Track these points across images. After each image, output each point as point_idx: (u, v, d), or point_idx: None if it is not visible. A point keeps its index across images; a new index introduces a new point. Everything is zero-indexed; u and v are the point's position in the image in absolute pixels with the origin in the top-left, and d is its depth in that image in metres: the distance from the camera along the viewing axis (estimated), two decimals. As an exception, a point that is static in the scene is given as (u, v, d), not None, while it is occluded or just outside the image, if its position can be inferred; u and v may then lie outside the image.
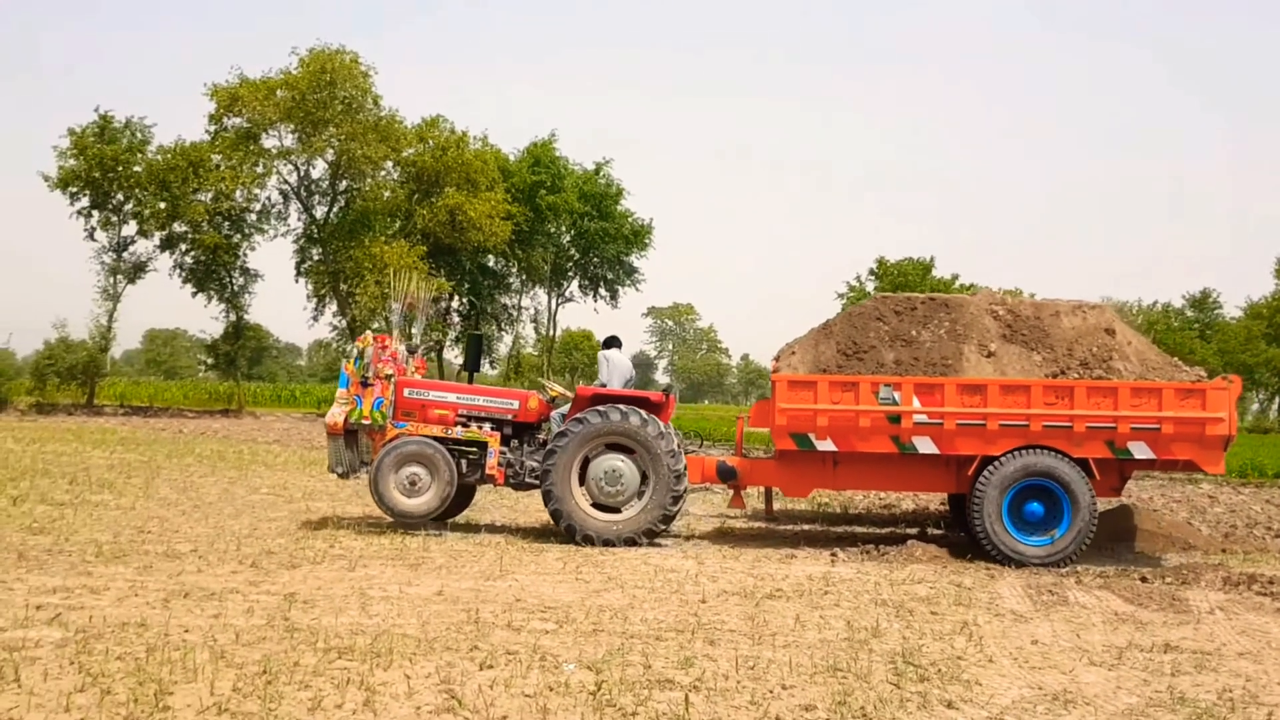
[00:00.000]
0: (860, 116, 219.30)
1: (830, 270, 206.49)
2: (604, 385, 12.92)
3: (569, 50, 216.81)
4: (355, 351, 12.71)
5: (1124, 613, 8.70)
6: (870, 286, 60.10)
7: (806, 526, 14.38)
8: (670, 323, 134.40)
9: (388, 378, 12.51)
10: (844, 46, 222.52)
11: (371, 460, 12.34)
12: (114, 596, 8.06)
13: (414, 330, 13.92)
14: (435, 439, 12.23)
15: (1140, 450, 11.44)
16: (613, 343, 13.57)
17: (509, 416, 12.63)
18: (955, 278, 59.62)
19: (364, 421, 12.44)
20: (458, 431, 12.40)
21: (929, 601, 8.92)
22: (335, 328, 47.41)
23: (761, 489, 13.46)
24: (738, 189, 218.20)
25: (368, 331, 14.25)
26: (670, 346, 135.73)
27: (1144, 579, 10.31)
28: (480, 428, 12.49)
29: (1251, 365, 64.06)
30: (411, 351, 13.33)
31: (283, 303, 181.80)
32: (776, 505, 14.28)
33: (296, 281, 47.22)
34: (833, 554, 11.48)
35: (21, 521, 11.75)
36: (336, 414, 12.46)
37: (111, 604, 7.79)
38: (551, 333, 56.29)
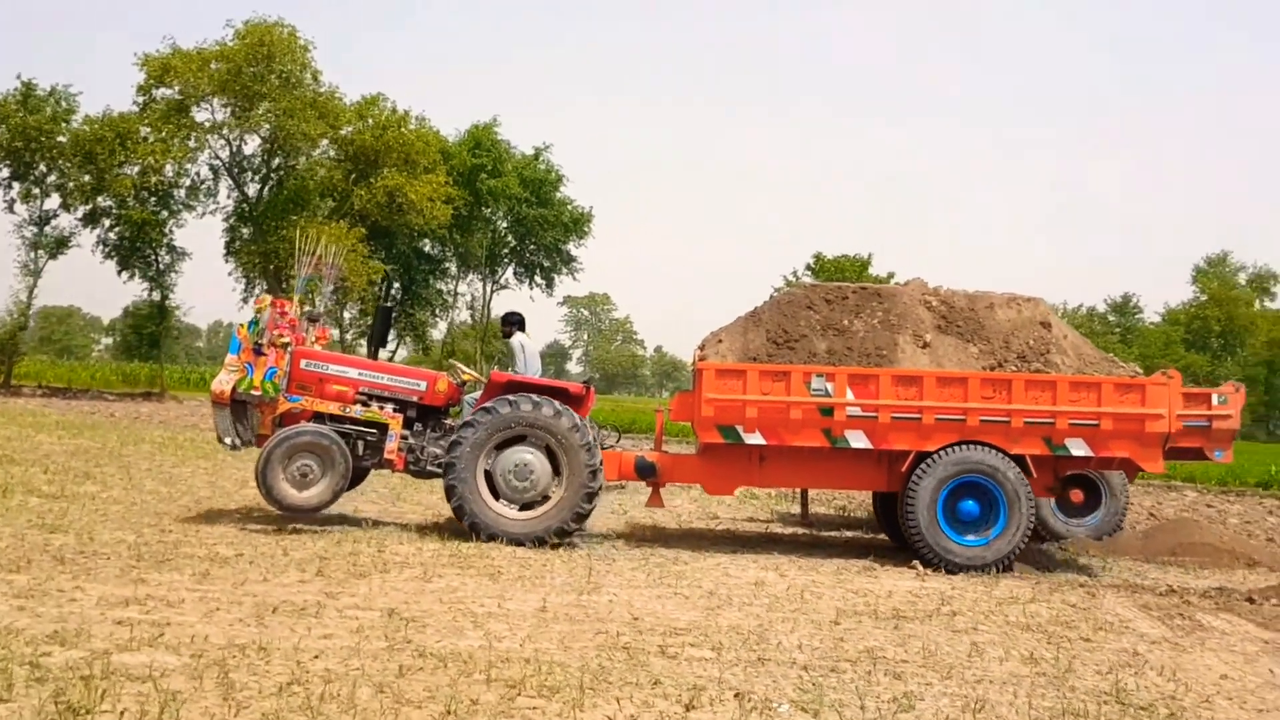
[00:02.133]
0: (786, 117, 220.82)
1: (752, 265, 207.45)
2: (517, 374, 11.97)
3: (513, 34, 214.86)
4: (252, 316, 11.52)
5: (1273, 640, 8.24)
6: (808, 282, 59.85)
7: (850, 533, 13.81)
8: (585, 312, 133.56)
9: (284, 346, 11.32)
10: (775, 50, 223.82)
11: (259, 435, 11.28)
12: (195, 611, 7.14)
13: (297, 285, 12.61)
14: (331, 418, 11.23)
15: (1078, 447, 10.95)
16: (517, 322, 12.79)
17: (414, 398, 11.63)
18: (891, 275, 59.80)
19: (254, 392, 11.24)
20: (357, 410, 11.34)
21: (1065, 625, 8.35)
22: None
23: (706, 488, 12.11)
24: (659, 183, 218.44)
25: (265, 294, 13.04)
26: (585, 336, 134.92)
27: (1250, 600, 9.90)
28: (382, 408, 11.46)
29: (1170, 371, 65.19)
30: (313, 320, 12.23)
31: (190, 282, 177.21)
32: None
33: (226, 261, 45.54)
34: (912, 566, 10.89)
35: (26, 518, 10.65)
36: (224, 381, 11.17)
37: (200, 620, 6.88)
38: (485, 319, 55.15)
